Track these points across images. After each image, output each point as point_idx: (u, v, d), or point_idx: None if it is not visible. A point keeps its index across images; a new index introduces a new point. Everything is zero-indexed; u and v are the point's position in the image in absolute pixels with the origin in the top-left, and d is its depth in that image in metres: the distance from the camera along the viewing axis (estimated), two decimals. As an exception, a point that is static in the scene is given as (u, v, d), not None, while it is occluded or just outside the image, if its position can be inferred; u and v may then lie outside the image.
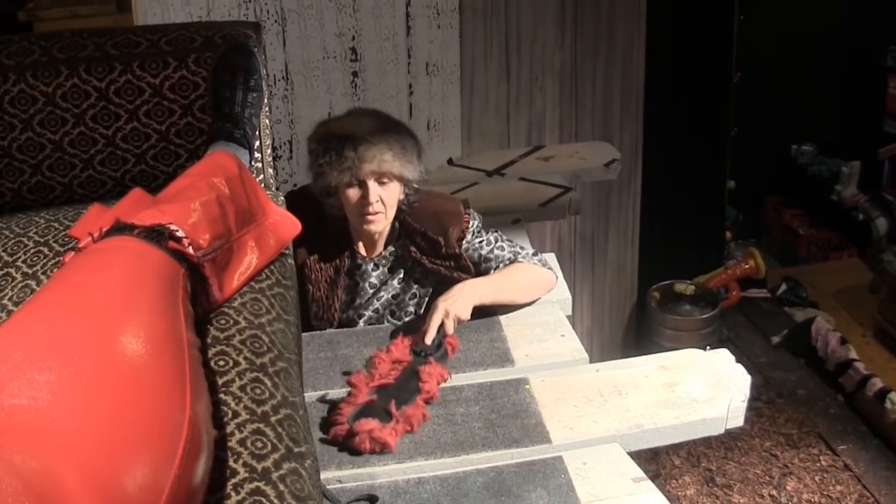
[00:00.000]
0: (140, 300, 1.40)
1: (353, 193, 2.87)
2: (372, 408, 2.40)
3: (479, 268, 3.03)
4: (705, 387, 2.55)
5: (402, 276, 3.06)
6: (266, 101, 2.28)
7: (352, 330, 2.93)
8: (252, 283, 1.84)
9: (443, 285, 2.99)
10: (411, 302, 3.07)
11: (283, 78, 4.04)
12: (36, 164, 2.15)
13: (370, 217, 2.89)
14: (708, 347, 2.75)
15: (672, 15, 4.86)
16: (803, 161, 6.32)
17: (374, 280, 3.05)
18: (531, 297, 3.00)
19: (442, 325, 2.72)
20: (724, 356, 2.69)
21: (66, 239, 1.91)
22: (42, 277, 1.80)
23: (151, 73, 2.15)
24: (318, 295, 2.98)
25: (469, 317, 2.79)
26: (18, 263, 1.85)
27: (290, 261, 2.03)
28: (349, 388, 2.51)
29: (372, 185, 2.84)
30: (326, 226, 2.99)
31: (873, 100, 5.94)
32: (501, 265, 3.02)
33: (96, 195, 2.18)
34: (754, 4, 5.54)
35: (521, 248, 3.07)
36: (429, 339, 2.68)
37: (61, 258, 1.78)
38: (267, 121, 2.33)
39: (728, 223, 6.04)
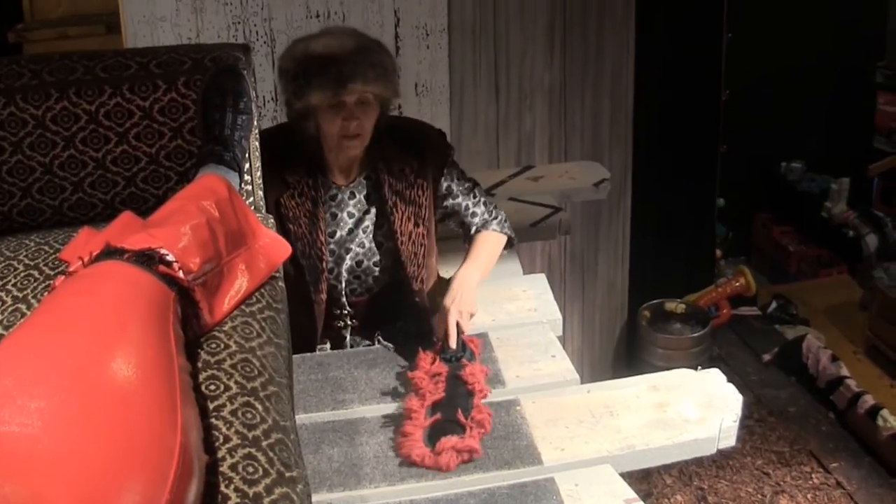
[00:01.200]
0: (131, 325, 1.40)
1: (333, 115, 2.78)
2: (440, 425, 2.39)
3: (456, 218, 3.07)
4: (697, 407, 2.55)
5: (381, 200, 2.96)
6: (256, 123, 2.27)
7: (342, 352, 2.90)
8: (243, 307, 1.83)
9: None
10: (400, 228, 2.96)
11: (272, 99, 4.04)
12: (26, 187, 2.14)
13: (349, 141, 2.82)
14: (699, 366, 2.75)
15: (661, 33, 4.87)
16: (793, 178, 6.34)
17: (352, 209, 2.96)
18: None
19: (458, 326, 2.72)
20: (715, 376, 2.69)
21: (57, 262, 1.91)
22: (32, 301, 1.80)
23: (141, 95, 2.15)
24: (300, 231, 2.86)
25: (477, 308, 2.81)
26: (9, 287, 1.84)
27: (281, 284, 2.02)
28: (406, 413, 2.48)
29: (353, 106, 2.77)
30: (299, 156, 2.91)
31: (862, 116, 5.97)
32: (473, 226, 3.06)
33: (86, 218, 2.17)
34: (743, 22, 5.56)
35: (494, 208, 3.11)
36: (453, 343, 2.67)
37: (52, 282, 1.78)
38: (256, 143, 2.33)
39: (718, 241, 6.05)
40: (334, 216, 2.94)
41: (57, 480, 1.11)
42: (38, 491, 1.10)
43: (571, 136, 4.65)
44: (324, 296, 2.90)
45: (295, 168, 2.89)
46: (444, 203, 3.04)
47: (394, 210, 2.93)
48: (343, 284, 2.96)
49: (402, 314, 3.02)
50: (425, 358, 2.66)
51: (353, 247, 2.95)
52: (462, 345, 2.68)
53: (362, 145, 2.87)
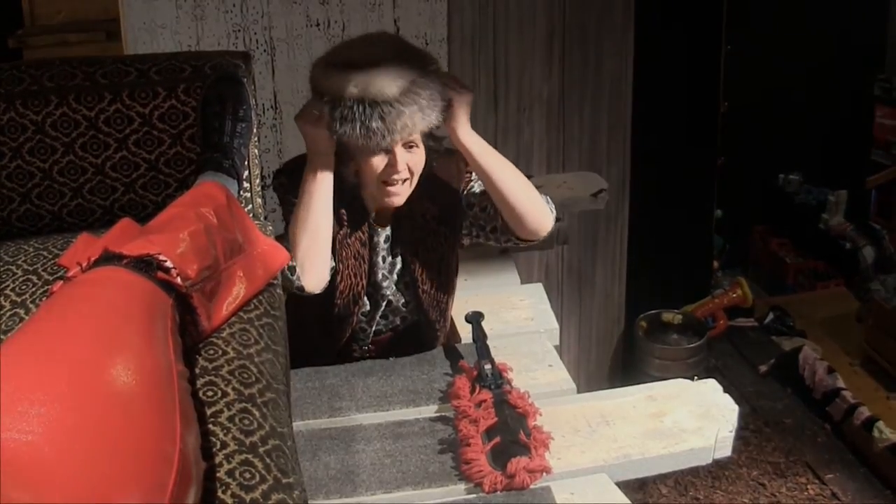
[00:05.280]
0: (129, 331, 1.40)
1: (378, 161, 2.58)
2: (501, 447, 2.37)
3: (485, 222, 2.81)
4: (693, 417, 2.55)
5: (404, 245, 2.81)
6: (255, 131, 2.28)
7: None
8: (240, 314, 1.83)
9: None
10: (421, 276, 2.82)
11: (271, 107, 4.04)
12: (25, 193, 2.15)
13: (394, 188, 2.62)
14: (695, 377, 2.75)
15: (660, 45, 4.88)
16: (790, 190, 6.35)
17: (385, 253, 2.82)
18: (523, 198, 2.74)
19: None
20: (711, 386, 2.69)
21: (55, 268, 1.91)
22: (31, 306, 1.80)
23: (141, 102, 2.15)
24: (346, 273, 2.73)
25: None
26: (7, 292, 1.84)
27: (279, 291, 2.02)
28: (463, 440, 2.44)
29: (399, 151, 2.57)
30: (345, 192, 2.71)
31: (860, 129, 5.98)
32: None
33: (85, 224, 2.18)
34: (741, 35, 5.57)
35: None
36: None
37: (50, 287, 1.78)
38: (255, 150, 2.33)
39: (715, 252, 6.05)
40: (372, 260, 2.82)
41: (57, 487, 1.11)
42: (40, 497, 1.10)
43: (570, 148, 4.65)
44: (345, 338, 2.86)
45: (345, 205, 2.72)
46: (471, 213, 2.85)
47: (415, 258, 2.82)
48: (373, 327, 2.90)
49: (422, 350, 2.90)
50: (462, 386, 2.62)
51: (387, 293, 2.85)
52: (498, 372, 2.65)
53: (409, 190, 2.68)
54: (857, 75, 5.98)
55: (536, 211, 2.77)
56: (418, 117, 2.50)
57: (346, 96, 2.47)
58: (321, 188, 2.62)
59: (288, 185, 2.69)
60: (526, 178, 2.77)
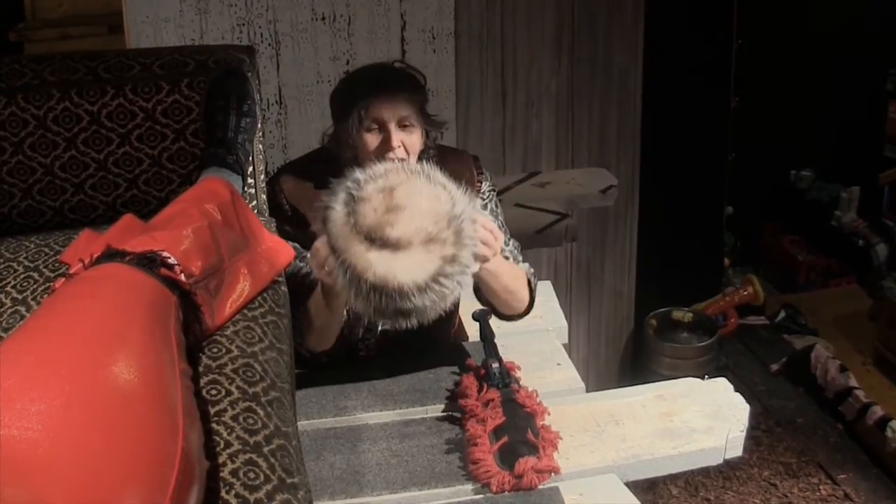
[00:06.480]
0: (132, 328, 1.39)
1: (372, 139, 2.58)
2: (509, 447, 2.35)
3: None
4: (703, 416, 2.53)
5: None
6: (259, 125, 2.26)
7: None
8: (245, 311, 1.82)
9: None
10: None
11: (276, 102, 4.02)
12: (26, 188, 2.14)
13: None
14: (706, 376, 2.73)
15: (670, 40, 4.85)
16: (802, 186, 6.32)
17: None
18: (512, 304, 2.75)
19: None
20: (722, 385, 2.67)
21: (57, 264, 1.90)
22: (32, 303, 1.79)
23: (144, 97, 2.14)
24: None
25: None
26: (8, 289, 1.84)
27: (284, 288, 2.01)
28: (471, 440, 2.41)
29: (394, 129, 2.57)
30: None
31: (873, 124, 5.94)
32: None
33: (87, 220, 2.17)
34: (752, 29, 5.54)
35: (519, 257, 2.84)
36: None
37: (52, 284, 1.77)
38: (260, 146, 2.31)
39: (726, 250, 6.02)
40: None
41: (57, 485, 1.11)
42: (38, 495, 1.10)
43: (578, 144, 4.63)
44: (352, 338, 2.80)
45: None
46: None
47: None
48: (379, 326, 2.81)
49: (429, 349, 2.85)
50: (470, 385, 2.60)
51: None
52: (505, 371, 2.61)
53: None
54: (870, 71, 5.95)
55: (519, 304, 2.79)
56: (439, 306, 2.22)
57: (362, 276, 2.15)
58: (336, 304, 2.51)
59: (280, 196, 2.66)
60: (520, 273, 2.77)
